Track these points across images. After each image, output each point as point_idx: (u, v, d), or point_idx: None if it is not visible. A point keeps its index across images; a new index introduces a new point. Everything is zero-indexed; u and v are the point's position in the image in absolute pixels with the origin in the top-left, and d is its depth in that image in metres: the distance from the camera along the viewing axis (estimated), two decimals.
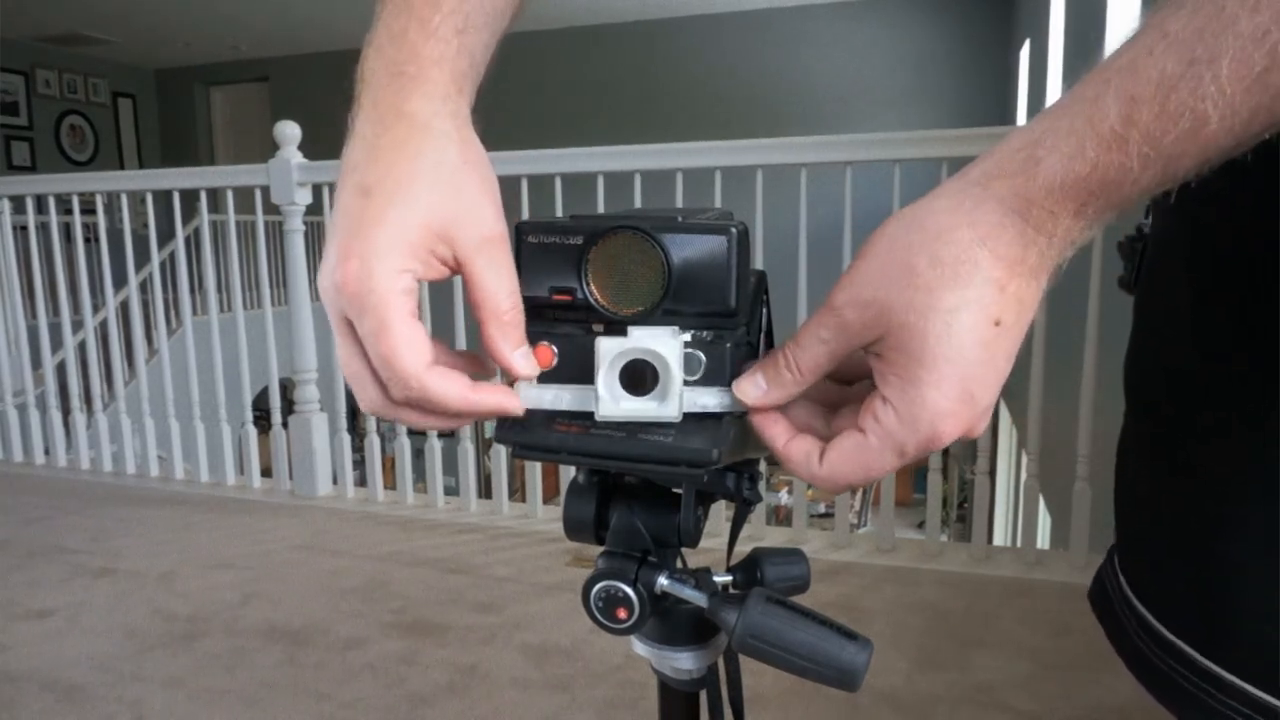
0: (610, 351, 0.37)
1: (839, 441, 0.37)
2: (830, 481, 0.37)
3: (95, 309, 3.80)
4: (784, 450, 0.38)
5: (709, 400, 0.38)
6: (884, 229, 0.35)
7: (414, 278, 0.38)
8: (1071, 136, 0.31)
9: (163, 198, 3.07)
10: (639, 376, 0.38)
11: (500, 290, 0.38)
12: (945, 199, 0.34)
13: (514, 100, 7.82)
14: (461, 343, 2.68)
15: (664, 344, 0.37)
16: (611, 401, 0.38)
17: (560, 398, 0.39)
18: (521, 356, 0.39)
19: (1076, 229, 0.33)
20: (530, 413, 0.40)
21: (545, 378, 0.39)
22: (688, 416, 0.38)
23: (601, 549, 0.46)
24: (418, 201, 0.38)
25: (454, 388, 0.38)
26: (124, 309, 4.07)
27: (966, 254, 0.33)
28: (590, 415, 0.38)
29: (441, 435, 2.83)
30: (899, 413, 0.35)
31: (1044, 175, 0.32)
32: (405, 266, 0.37)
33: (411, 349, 0.37)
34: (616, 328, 0.38)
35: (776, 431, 0.38)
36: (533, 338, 0.39)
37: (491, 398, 0.39)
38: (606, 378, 0.38)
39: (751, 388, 0.38)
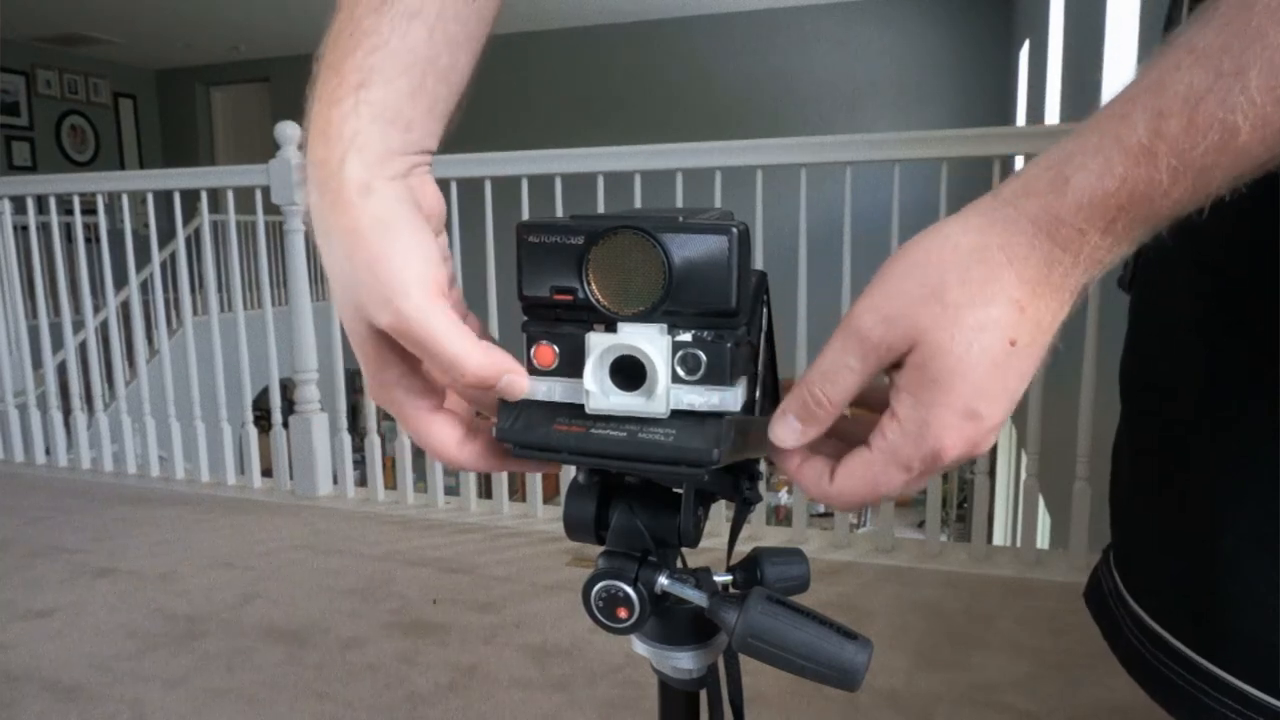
0: (598, 346, 0.38)
1: (847, 460, 0.37)
2: (840, 499, 0.37)
3: (96, 309, 3.81)
4: (797, 473, 0.39)
5: (710, 400, 0.38)
6: (914, 244, 0.35)
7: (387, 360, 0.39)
8: (1099, 154, 0.31)
9: (163, 198, 3.07)
10: (631, 372, 0.38)
11: (458, 347, 0.37)
12: (979, 217, 0.34)
13: (514, 100, 7.83)
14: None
15: (648, 341, 0.37)
16: (601, 395, 0.38)
17: (554, 389, 0.39)
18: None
19: (1104, 246, 0.33)
20: (530, 413, 0.40)
21: (545, 376, 0.40)
22: (688, 416, 0.38)
23: (602, 549, 0.46)
24: (339, 294, 0.39)
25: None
26: (125, 309, 4.07)
27: (995, 274, 0.33)
28: (588, 412, 0.39)
29: None
30: (904, 428, 0.35)
31: (1073, 193, 0.32)
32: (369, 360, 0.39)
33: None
34: (610, 325, 0.38)
35: (791, 456, 0.39)
36: (533, 337, 0.40)
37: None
38: (596, 372, 0.38)
39: (788, 433, 0.38)
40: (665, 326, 0.38)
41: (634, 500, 0.45)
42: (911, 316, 0.34)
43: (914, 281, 0.34)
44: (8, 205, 3.37)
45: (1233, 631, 0.42)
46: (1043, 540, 4.20)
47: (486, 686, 1.73)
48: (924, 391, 0.34)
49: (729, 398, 0.38)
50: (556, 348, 0.39)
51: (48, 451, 3.46)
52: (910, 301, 0.34)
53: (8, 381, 3.48)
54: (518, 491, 4.02)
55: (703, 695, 0.50)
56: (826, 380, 0.36)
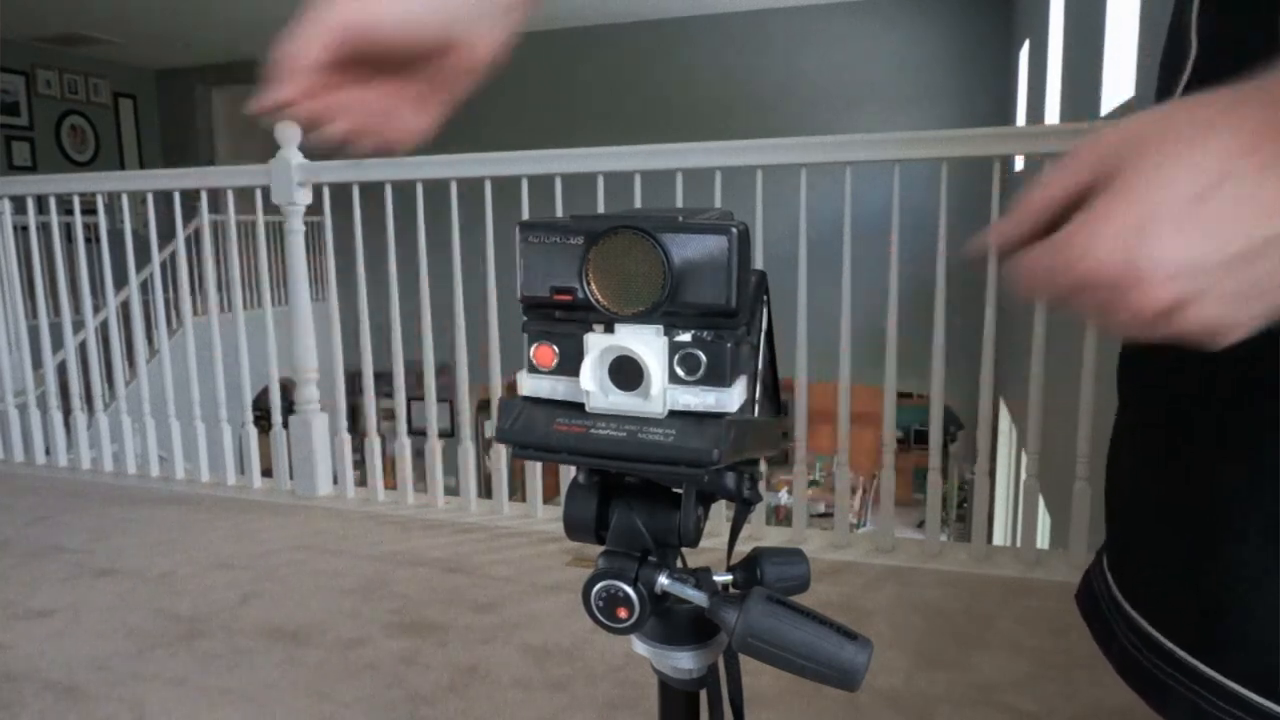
0: (595, 347, 0.38)
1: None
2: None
3: (96, 309, 3.80)
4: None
5: (707, 400, 0.38)
6: (1175, 108, 0.35)
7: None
8: None
9: (163, 198, 3.07)
10: (630, 372, 0.38)
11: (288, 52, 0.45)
12: (1245, 110, 0.33)
13: (514, 100, 7.83)
14: (463, 353, 2.68)
15: (644, 342, 0.37)
16: (601, 394, 0.38)
17: (556, 387, 0.39)
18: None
19: None
20: (531, 413, 0.40)
21: (546, 375, 0.40)
22: (688, 416, 0.38)
23: (602, 549, 0.46)
24: None
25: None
26: (125, 309, 4.07)
27: (1216, 119, 0.32)
28: (588, 410, 0.39)
29: (442, 435, 2.83)
30: (1075, 221, 0.34)
31: None
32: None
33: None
34: (609, 325, 0.38)
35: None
36: (533, 337, 0.40)
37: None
38: (595, 372, 0.38)
39: (994, 233, 0.38)
40: (662, 327, 0.38)
41: (634, 500, 0.45)
42: (1136, 140, 0.33)
43: (1150, 116, 0.34)
44: (8, 205, 3.37)
45: (1232, 636, 0.42)
46: (1043, 540, 4.19)
47: (486, 686, 1.73)
48: (1104, 201, 0.33)
49: (727, 398, 0.38)
50: (556, 347, 0.39)
51: (48, 451, 3.46)
52: (1141, 130, 0.34)
53: (8, 381, 3.48)
54: (518, 492, 4.02)
55: (703, 695, 0.50)
56: (1039, 185, 0.36)
